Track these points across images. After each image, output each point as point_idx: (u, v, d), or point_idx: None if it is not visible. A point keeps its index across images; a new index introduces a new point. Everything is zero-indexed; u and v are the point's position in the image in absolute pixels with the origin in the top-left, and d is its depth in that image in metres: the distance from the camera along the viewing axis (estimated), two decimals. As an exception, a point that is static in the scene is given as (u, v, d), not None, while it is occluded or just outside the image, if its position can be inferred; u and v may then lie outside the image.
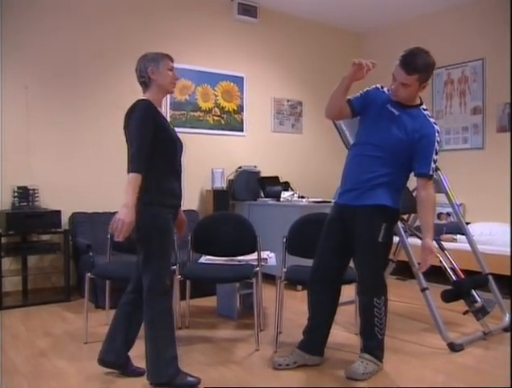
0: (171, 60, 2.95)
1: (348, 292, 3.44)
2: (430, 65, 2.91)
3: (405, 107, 2.99)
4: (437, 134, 2.95)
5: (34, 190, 4.90)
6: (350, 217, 3.04)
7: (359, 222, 3.00)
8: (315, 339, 3.24)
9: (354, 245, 3.06)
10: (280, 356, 3.26)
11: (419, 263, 3.01)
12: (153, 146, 2.73)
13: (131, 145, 2.74)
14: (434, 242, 3.03)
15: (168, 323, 2.81)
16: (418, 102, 3.05)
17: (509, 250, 5.07)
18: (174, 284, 3.70)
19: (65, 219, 5.06)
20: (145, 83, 2.88)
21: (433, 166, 2.94)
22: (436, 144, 2.93)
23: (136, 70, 2.91)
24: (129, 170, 2.68)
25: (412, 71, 2.85)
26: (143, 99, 2.83)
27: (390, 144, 2.95)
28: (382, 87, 3.11)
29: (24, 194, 4.85)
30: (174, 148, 2.91)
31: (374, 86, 3.12)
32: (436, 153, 2.94)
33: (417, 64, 2.85)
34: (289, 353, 3.23)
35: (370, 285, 3.05)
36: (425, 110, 3.03)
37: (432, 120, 3.00)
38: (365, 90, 3.11)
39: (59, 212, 4.86)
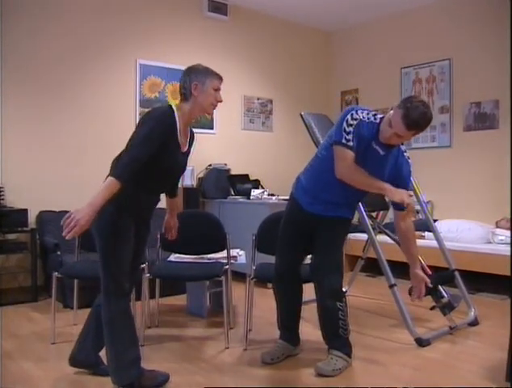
0: (220, 80, 2.83)
1: (309, 290, 3.40)
2: (429, 122, 2.87)
3: (389, 147, 2.96)
4: (411, 171, 3.10)
5: (-1, 188, 4.81)
6: (316, 223, 3.13)
7: (326, 229, 3.12)
8: (293, 330, 3.35)
9: (314, 247, 3.16)
10: (267, 351, 3.27)
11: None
12: (147, 160, 2.54)
13: (128, 149, 2.53)
14: None
15: (127, 325, 2.72)
16: None
17: (474, 246, 5.17)
18: (142, 283, 3.69)
19: (31, 218, 4.98)
20: (185, 95, 2.74)
21: None
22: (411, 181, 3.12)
23: (180, 80, 2.76)
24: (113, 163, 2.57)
25: (412, 128, 2.81)
26: (170, 107, 2.68)
27: None
28: (363, 117, 2.93)
29: (-11, 193, 4.75)
30: (164, 175, 2.75)
31: (358, 119, 2.91)
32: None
33: (419, 122, 2.78)
34: (274, 347, 3.28)
35: (333, 290, 3.09)
36: (402, 144, 3.06)
37: (406, 154, 3.08)
38: (353, 125, 2.89)
39: (25, 210, 4.77)
